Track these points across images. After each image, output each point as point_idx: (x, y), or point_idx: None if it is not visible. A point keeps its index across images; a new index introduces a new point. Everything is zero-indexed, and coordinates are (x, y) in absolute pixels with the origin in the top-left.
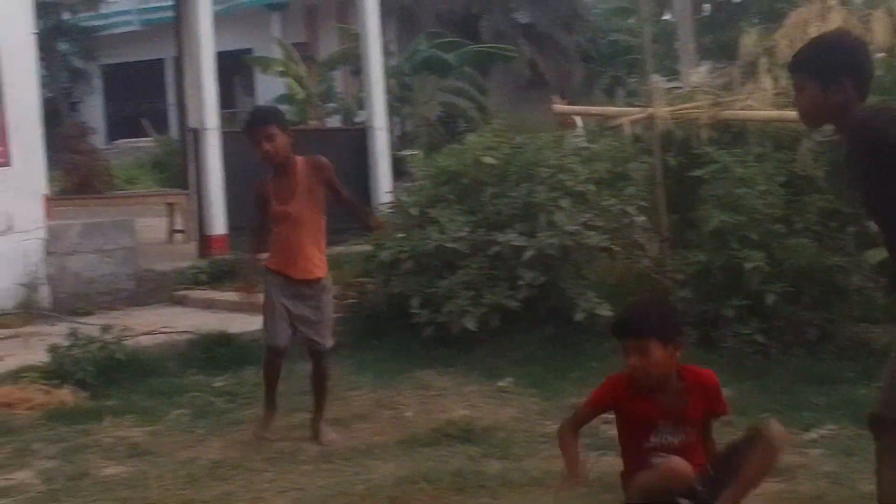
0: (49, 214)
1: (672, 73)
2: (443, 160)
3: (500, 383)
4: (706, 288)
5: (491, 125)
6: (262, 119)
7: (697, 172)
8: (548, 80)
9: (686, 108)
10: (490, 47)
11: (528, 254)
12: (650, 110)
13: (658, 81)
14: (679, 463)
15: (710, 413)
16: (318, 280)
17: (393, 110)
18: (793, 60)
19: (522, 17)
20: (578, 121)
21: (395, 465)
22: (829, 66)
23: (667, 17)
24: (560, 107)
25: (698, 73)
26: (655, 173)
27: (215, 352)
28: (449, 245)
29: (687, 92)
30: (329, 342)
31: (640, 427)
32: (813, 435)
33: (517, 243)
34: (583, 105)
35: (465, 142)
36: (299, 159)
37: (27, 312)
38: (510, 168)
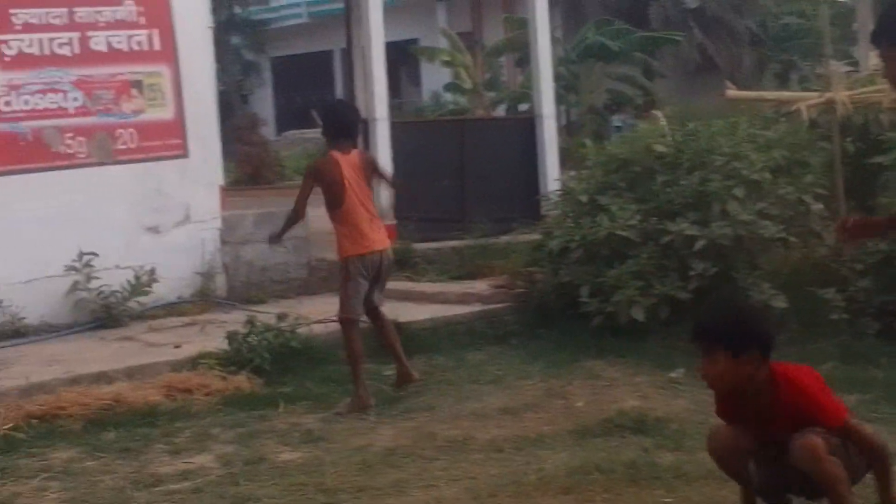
0: (224, 205)
1: (848, 57)
2: (613, 148)
3: (672, 374)
4: (887, 278)
5: (662, 111)
6: None
7: (879, 158)
8: (717, 64)
9: (867, 92)
10: (657, 33)
11: (701, 244)
12: (829, 95)
13: (836, 65)
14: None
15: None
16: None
17: (559, 98)
18: None
19: (692, 2)
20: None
21: (567, 455)
22: None
23: None
24: (733, 92)
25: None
26: (834, 160)
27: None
28: (620, 233)
29: (866, 75)
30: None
31: None
32: None
33: (689, 233)
34: (755, 90)
35: (635, 129)
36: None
37: (204, 300)
38: (683, 156)
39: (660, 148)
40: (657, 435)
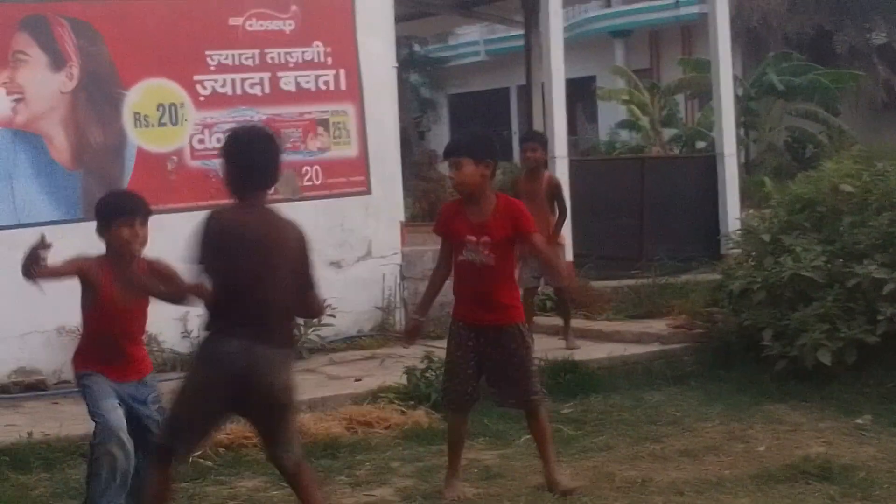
0: (404, 240)
1: None
2: (797, 187)
3: (859, 420)
4: None
5: (849, 151)
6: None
7: None
8: None
9: None
10: (839, 70)
11: (890, 287)
12: None
13: None
14: None
15: (517, 234)
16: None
17: (739, 136)
18: None
19: (878, 38)
20: None
21: (748, 500)
22: None
23: None
24: None
25: None
26: None
27: (562, 378)
28: (804, 274)
29: None
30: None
31: (455, 245)
32: None
33: (877, 275)
34: None
35: (820, 168)
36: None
37: (383, 335)
38: (870, 196)
39: (847, 188)
40: (843, 483)
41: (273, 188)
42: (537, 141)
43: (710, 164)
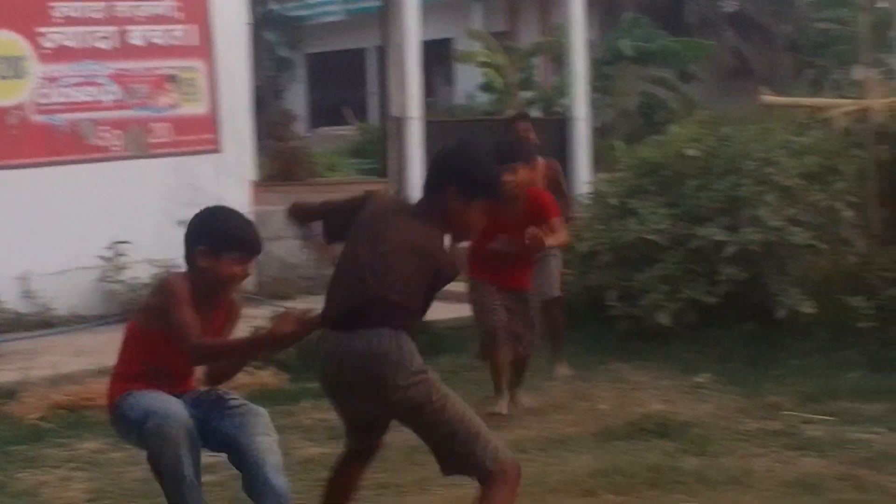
0: (255, 200)
1: (883, 65)
2: (645, 151)
3: (698, 379)
4: None
5: (695, 116)
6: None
7: None
8: (753, 69)
9: None
10: (690, 39)
11: (730, 249)
12: (865, 102)
13: (873, 72)
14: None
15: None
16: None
17: (592, 100)
18: None
19: (729, 6)
20: None
21: (589, 457)
22: None
23: (883, 4)
24: (768, 97)
25: None
26: (867, 168)
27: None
28: (649, 237)
29: None
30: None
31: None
32: None
33: (719, 238)
34: (790, 96)
35: (667, 133)
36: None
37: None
38: (714, 160)
39: (692, 152)
40: (681, 439)
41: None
42: (530, 120)
43: (562, 127)
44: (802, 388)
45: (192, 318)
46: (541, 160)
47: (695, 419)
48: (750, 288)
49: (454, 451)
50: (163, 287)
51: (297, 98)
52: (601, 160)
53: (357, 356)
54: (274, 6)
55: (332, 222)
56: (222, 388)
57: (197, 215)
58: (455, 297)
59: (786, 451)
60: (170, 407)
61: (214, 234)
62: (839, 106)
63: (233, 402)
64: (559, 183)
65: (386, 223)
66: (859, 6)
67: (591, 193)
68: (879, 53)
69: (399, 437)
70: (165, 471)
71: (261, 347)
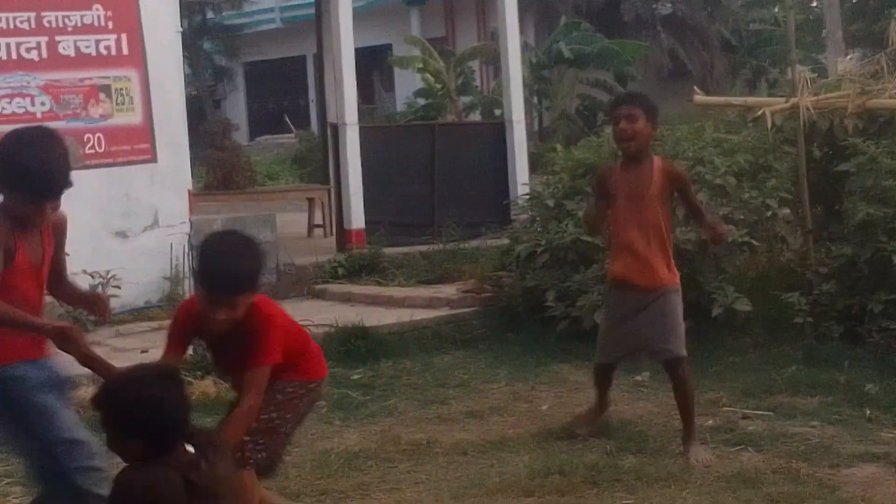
0: (193, 209)
1: (817, 63)
2: (580, 153)
3: (637, 378)
4: (851, 282)
5: None
6: (627, 100)
7: (843, 166)
8: (690, 70)
9: (831, 98)
10: (626, 40)
11: None
12: (794, 100)
13: (803, 70)
14: None
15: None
16: (660, 287)
17: (531, 104)
18: None
19: (664, 8)
20: None
21: (529, 457)
22: None
23: (814, 4)
24: (700, 97)
25: (845, 62)
26: (799, 165)
27: (353, 345)
28: (585, 238)
29: (833, 81)
30: (679, 350)
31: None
32: None
33: None
34: (726, 95)
35: (602, 134)
36: (656, 159)
37: (171, 305)
38: None
39: None
40: (620, 437)
41: None
42: (638, 104)
43: (499, 130)
44: (740, 383)
45: None
46: (657, 160)
47: (634, 417)
48: (686, 286)
49: None
50: None
51: (236, 107)
52: (540, 163)
53: None
54: (211, 15)
55: None
56: None
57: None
58: (396, 303)
59: (724, 446)
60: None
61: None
62: (770, 104)
63: None
64: (690, 195)
65: None
66: (787, 6)
67: (528, 196)
68: (812, 52)
69: (341, 443)
70: None
71: (31, 330)
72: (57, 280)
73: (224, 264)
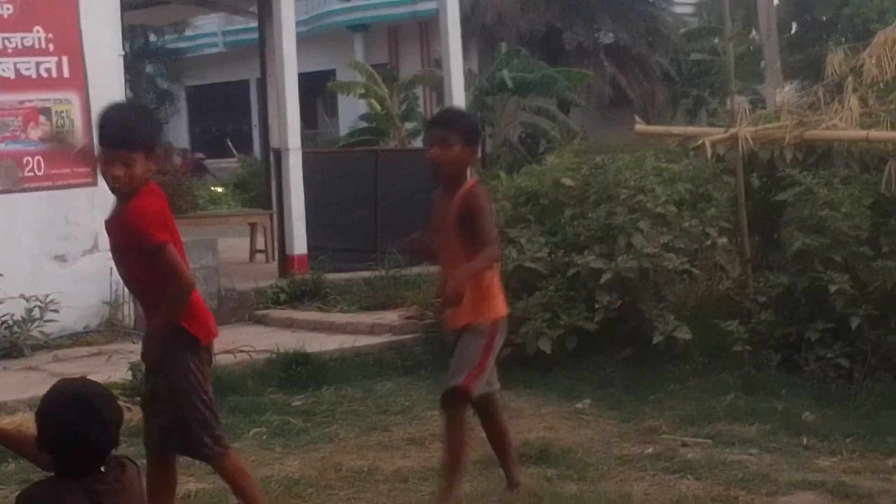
0: None
1: (756, 94)
2: (522, 180)
3: (578, 405)
4: (789, 310)
5: (571, 146)
6: (442, 122)
7: (781, 196)
8: (631, 99)
9: (770, 129)
10: (569, 69)
11: (607, 276)
12: (733, 130)
13: (741, 101)
14: None
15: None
16: (462, 325)
17: None
18: None
19: (606, 37)
20: None
21: (469, 485)
22: None
23: (753, 35)
24: (641, 126)
25: (783, 93)
26: (738, 194)
27: (294, 371)
28: (528, 265)
29: (771, 112)
30: (457, 379)
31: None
32: (894, 461)
33: (595, 265)
34: (666, 125)
35: (544, 162)
36: (468, 183)
37: (111, 330)
38: (589, 189)
39: (567, 181)
40: (561, 465)
41: None
42: (454, 127)
43: None
44: (680, 411)
45: None
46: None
47: (575, 445)
48: (627, 314)
49: None
50: None
51: (179, 131)
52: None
53: None
54: (153, 39)
55: None
56: None
57: None
58: (338, 329)
59: (664, 473)
60: None
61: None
62: (709, 134)
63: None
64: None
65: None
66: (727, 37)
67: None
68: (751, 83)
69: (282, 470)
70: None
71: None
72: None
73: (120, 119)
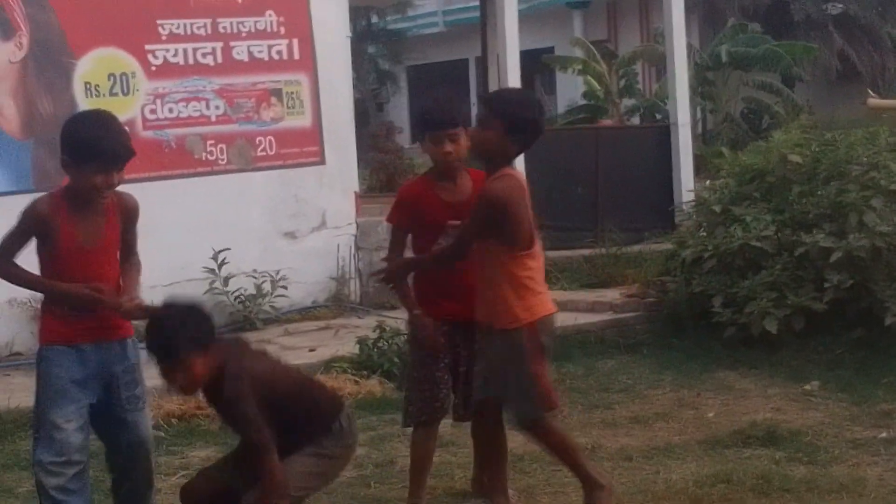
0: (359, 211)
1: None
2: (748, 157)
3: (806, 387)
4: None
5: (798, 121)
6: (485, 101)
7: None
8: (860, 72)
9: None
10: (794, 42)
11: (837, 255)
12: None
13: None
14: None
15: None
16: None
17: (694, 107)
18: None
19: (834, 8)
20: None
21: (695, 465)
22: None
23: None
24: (874, 100)
25: None
26: None
27: None
28: (754, 244)
29: None
30: (529, 413)
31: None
32: None
33: (825, 244)
34: None
35: (770, 139)
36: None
37: (337, 305)
38: (819, 166)
39: (795, 158)
40: (790, 448)
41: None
42: (487, 107)
43: (664, 134)
44: None
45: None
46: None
47: (804, 427)
48: (858, 294)
49: None
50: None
51: (399, 110)
52: (705, 167)
53: None
54: (375, 20)
55: None
56: None
57: (64, 124)
58: (559, 306)
59: None
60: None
61: (73, 144)
62: None
63: None
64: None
65: None
66: None
67: (693, 201)
68: None
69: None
70: None
71: (58, 295)
72: (121, 262)
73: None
